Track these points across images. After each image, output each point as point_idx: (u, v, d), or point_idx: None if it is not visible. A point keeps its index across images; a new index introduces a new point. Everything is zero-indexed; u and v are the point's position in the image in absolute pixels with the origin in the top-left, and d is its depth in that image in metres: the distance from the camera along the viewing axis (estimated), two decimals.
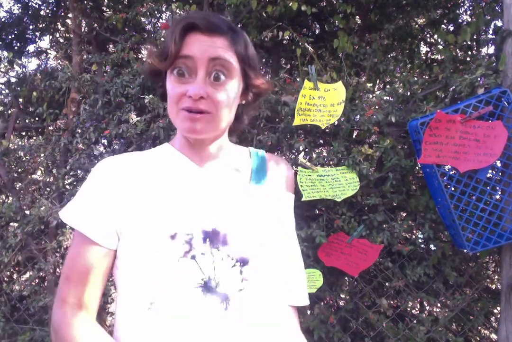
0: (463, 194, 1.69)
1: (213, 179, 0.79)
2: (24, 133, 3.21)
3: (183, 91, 0.71)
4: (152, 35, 2.69)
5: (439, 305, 2.14)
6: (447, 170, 1.76)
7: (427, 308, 2.39)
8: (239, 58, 0.76)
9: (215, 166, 0.82)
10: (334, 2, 2.70)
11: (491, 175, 1.79)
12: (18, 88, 3.01)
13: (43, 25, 3.71)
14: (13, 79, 3.39)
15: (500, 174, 1.78)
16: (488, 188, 1.72)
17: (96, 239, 0.71)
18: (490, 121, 1.66)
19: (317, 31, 3.10)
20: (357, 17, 2.89)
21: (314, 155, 1.98)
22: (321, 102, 1.90)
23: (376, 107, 1.93)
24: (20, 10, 3.65)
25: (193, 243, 0.69)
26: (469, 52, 2.53)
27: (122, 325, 0.70)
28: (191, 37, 0.72)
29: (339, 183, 1.80)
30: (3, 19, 3.63)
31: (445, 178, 1.70)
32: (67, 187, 2.43)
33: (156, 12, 2.41)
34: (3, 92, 3.18)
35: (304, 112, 1.87)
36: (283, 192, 0.87)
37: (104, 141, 2.35)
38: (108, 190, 0.74)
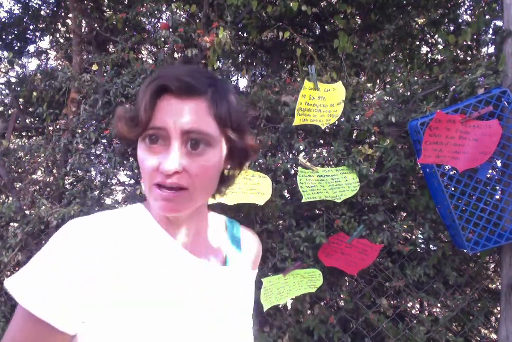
0: (463, 194, 1.69)
1: (193, 262, 0.70)
2: (24, 133, 3.21)
3: (155, 165, 0.61)
4: (152, 35, 2.69)
5: (439, 305, 2.14)
6: (447, 170, 1.76)
7: (427, 308, 2.39)
8: (220, 122, 0.65)
9: (195, 245, 0.73)
10: (334, 2, 2.70)
11: (491, 175, 1.79)
12: (18, 88, 3.01)
13: (43, 25, 3.71)
14: (13, 79, 3.40)
15: (500, 174, 1.78)
16: (488, 188, 1.72)
17: (56, 324, 0.57)
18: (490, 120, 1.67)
19: (317, 31, 3.10)
20: (357, 17, 2.89)
21: (314, 155, 1.98)
22: (321, 102, 1.90)
23: (376, 107, 1.93)
24: (20, 10, 3.66)
25: None
26: (469, 52, 2.53)
27: None
28: (163, 102, 0.62)
29: (339, 184, 1.80)
30: (3, 19, 3.63)
31: (445, 178, 1.70)
32: (67, 186, 2.43)
33: (156, 12, 2.41)
34: (3, 92, 3.19)
35: (304, 112, 1.87)
36: (253, 271, 0.82)
37: (104, 141, 2.35)
38: (74, 264, 0.60)
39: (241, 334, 0.71)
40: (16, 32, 3.67)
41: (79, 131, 2.25)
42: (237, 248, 0.80)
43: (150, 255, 0.66)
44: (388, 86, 2.49)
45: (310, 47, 2.24)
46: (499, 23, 2.33)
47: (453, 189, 1.70)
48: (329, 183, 1.81)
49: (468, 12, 2.97)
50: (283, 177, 1.93)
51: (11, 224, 2.37)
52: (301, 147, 1.92)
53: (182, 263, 0.69)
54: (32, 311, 0.57)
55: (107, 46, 3.05)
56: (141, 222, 0.70)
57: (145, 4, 2.36)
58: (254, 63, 3.29)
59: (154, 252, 0.67)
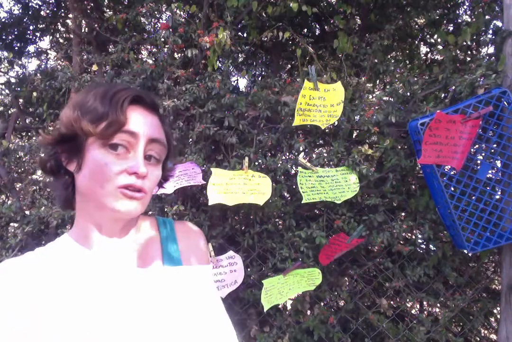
0: (463, 194, 1.69)
1: (128, 273, 0.70)
2: (24, 133, 3.21)
3: (122, 168, 0.64)
4: (152, 35, 2.69)
5: (439, 305, 2.14)
6: (447, 170, 1.76)
7: (427, 308, 2.39)
8: (167, 136, 0.73)
9: (125, 254, 0.73)
10: (334, 2, 2.71)
11: (491, 175, 1.79)
12: (18, 89, 3.01)
13: (43, 25, 3.71)
14: (13, 80, 3.40)
15: (500, 174, 1.78)
16: (488, 188, 1.72)
17: None
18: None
19: (317, 32, 3.10)
20: (357, 17, 2.90)
21: (314, 155, 1.98)
22: (321, 102, 1.90)
23: (376, 107, 1.93)
24: (20, 11, 3.66)
25: None
26: (469, 53, 2.53)
27: None
28: (135, 110, 0.67)
29: (339, 185, 1.80)
30: (3, 20, 3.63)
31: (445, 178, 1.70)
32: None
33: (156, 12, 2.41)
34: (3, 92, 3.19)
35: (304, 113, 1.87)
36: (198, 266, 0.79)
37: None
38: (9, 305, 0.60)
39: (201, 329, 0.69)
40: (16, 33, 3.67)
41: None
42: (173, 247, 0.78)
43: (77, 278, 0.66)
44: (388, 86, 2.49)
45: (310, 48, 2.24)
46: (499, 23, 2.33)
47: (453, 189, 1.70)
48: (329, 184, 1.81)
49: (468, 12, 2.97)
50: (283, 177, 1.93)
51: (11, 224, 2.37)
52: (301, 148, 1.92)
53: (110, 275, 0.68)
54: None
55: (107, 47, 3.05)
56: (66, 251, 0.70)
57: (145, 5, 2.36)
58: (254, 64, 3.29)
59: (80, 274, 0.67)
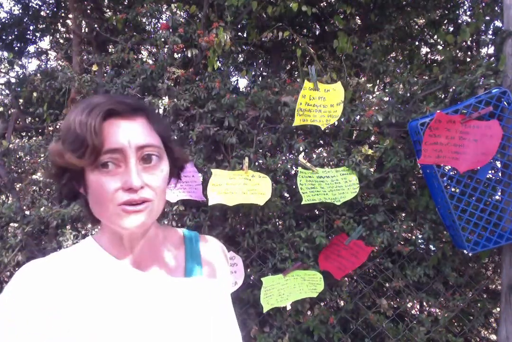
0: (463, 194, 1.69)
1: (150, 283, 0.72)
2: (24, 133, 3.21)
3: (118, 186, 0.64)
4: (152, 35, 2.69)
5: (439, 305, 2.14)
6: (447, 171, 1.76)
7: (427, 308, 2.39)
8: (160, 135, 0.71)
9: (153, 264, 0.75)
10: (334, 2, 2.71)
11: (491, 175, 1.79)
12: (18, 89, 3.01)
13: (43, 25, 3.71)
14: (13, 80, 3.40)
15: (500, 174, 1.78)
16: (488, 188, 1.72)
17: None
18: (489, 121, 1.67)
19: (317, 32, 3.10)
20: (357, 17, 2.90)
21: (314, 155, 1.98)
22: (321, 102, 1.90)
23: (376, 107, 1.93)
24: (20, 11, 3.66)
25: None
26: (469, 53, 2.53)
27: None
28: (111, 125, 0.65)
29: (339, 185, 1.80)
30: (3, 20, 3.63)
31: (445, 179, 1.70)
32: None
33: (156, 12, 2.41)
34: (4, 92, 3.19)
35: (304, 113, 1.87)
36: (219, 280, 0.82)
37: None
38: (32, 309, 0.62)
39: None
40: (16, 33, 3.67)
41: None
42: (197, 259, 0.80)
43: (102, 286, 0.68)
44: (388, 86, 2.49)
45: (310, 48, 2.24)
46: (498, 23, 2.33)
47: (453, 189, 1.70)
48: (328, 185, 1.81)
49: (468, 12, 2.97)
50: (283, 177, 1.93)
51: (11, 224, 2.37)
52: (301, 148, 1.92)
53: (136, 285, 0.70)
54: None
55: (107, 47, 3.05)
56: (91, 255, 0.72)
57: (145, 5, 2.36)
58: (254, 64, 3.29)
59: (105, 281, 0.69)
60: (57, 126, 2.43)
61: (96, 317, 0.64)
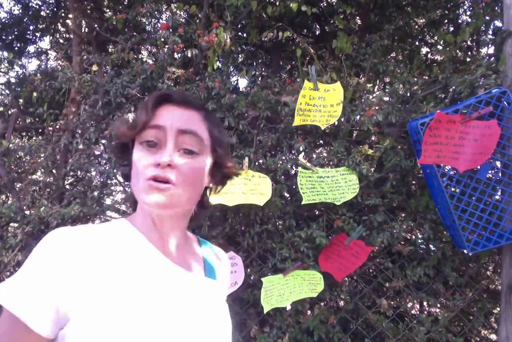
0: (463, 194, 1.69)
1: (179, 272, 0.73)
2: (24, 133, 3.21)
3: (151, 161, 0.67)
4: (152, 35, 2.69)
5: (439, 305, 2.14)
6: (447, 170, 1.76)
7: (427, 308, 2.39)
8: (211, 134, 0.73)
9: (180, 256, 0.76)
10: (334, 2, 2.71)
11: (491, 175, 1.79)
12: (18, 89, 3.02)
13: (43, 25, 3.71)
14: (13, 80, 3.40)
15: (500, 174, 1.78)
16: (488, 188, 1.72)
17: (29, 323, 0.59)
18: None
19: (317, 32, 3.10)
20: (357, 17, 2.90)
21: (314, 155, 1.98)
22: (321, 102, 1.90)
23: (376, 107, 1.93)
24: (20, 11, 3.66)
25: None
26: (469, 53, 2.53)
27: None
28: (164, 109, 0.70)
29: (339, 185, 1.80)
30: (3, 20, 3.63)
31: (445, 178, 1.70)
32: (67, 187, 2.43)
33: (156, 12, 2.41)
34: (4, 92, 3.19)
35: (304, 113, 1.87)
36: (226, 287, 0.86)
37: (104, 141, 2.35)
38: (58, 274, 0.62)
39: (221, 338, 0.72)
40: (16, 33, 3.67)
41: (79, 131, 2.25)
42: (212, 262, 0.83)
43: (133, 263, 0.68)
44: (388, 86, 2.49)
45: (310, 48, 2.24)
46: (498, 23, 2.33)
47: (453, 189, 1.70)
48: (328, 185, 1.81)
49: (468, 12, 2.98)
50: (283, 177, 1.93)
51: (11, 224, 2.37)
52: (301, 148, 1.92)
53: (165, 271, 0.71)
54: (8, 308, 0.60)
55: (107, 47, 3.05)
56: (125, 233, 0.73)
57: (145, 5, 2.36)
58: (254, 64, 3.29)
59: (138, 261, 0.69)
60: (57, 126, 2.43)
61: (118, 297, 0.63)
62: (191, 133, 0.69)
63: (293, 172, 2.06)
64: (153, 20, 2.73)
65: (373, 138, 2.08)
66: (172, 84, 2.10)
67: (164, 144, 0.68)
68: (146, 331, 0.61)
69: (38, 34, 3.74)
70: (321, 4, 2.80)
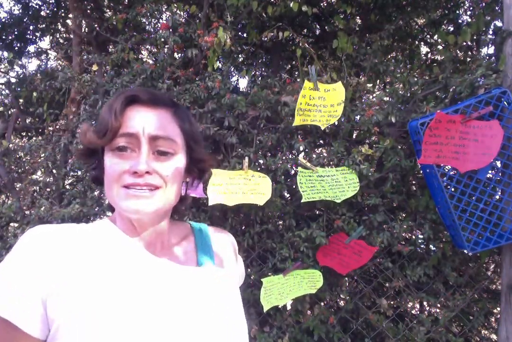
0: (463, 194, 1.69)
1: (164, 265, 0.72)
2: (24, 133, 3.21)
3: (125, 168, 0.65)
4: (152, 35, 2.69)
5: (439, 305, 2.14)
6: (447, 170, 1.76)
7: (427, 308, 2.39)
8: (183, 131, 0.72)
9: (165, 249, 0.76)
10: (334, 2, 2.71)
11: (491, 175, 1.79)
12: (19, 89, 3.02)
13: (44, 25, 3.71)
14: (13, 80, 3.40)
15: (500, 174, 1.78)
16: (488, 188, 1.72)
17: (26, 328, 0.59)
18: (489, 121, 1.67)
19: (317, 32, 3.10)
20: (357, 17, 2.90)
21: (314, 155, 1.98)
22: (321, 102, 1.90)
23: (376, 107, 1.93)
24: (20, 11, 3.66)
25: None
26: (469, 53, 2.53)
27: None
28: (132, 110, 0.68)
29: (339, 184, 1.80)
30: (3, 20, 3.63)
31: (445, 178, 1.70)
32: (67, 187, 2.43)
33: (156, 12, 2.41)
34: (4, 92, 3.19)
35: (304, 113, 1.87)
36: (231, 268, 0.83)
37: None
38: (41, 270, 0.61)
39: (225, 331, 0.70)
40: (16, 33, 3.67)
41: (79, 131, 2.25)
42: (207, 250, 0.81)
43: (115, 260, 0.68)
44: (388, 86, 2.49)
45: (310, 48, 2.24)
46: (499, 23, 2.33)
47: (453, 189, 1.70)
48: (329, 183, 1.81)
49: (468, 12, 2.98)
50: (283, 177, 1.93)
51: (11, 224, 2.37)
52: (301, 148, 1.92)
53: (149, 266, 0.70)
54: None
55: (107, 47, 3.05)
56: (106, 231, 0.73)
57: (145, 5, 2.36)
58: (254, 64, 3.29)
59: (120, 257, 0.69)
60: (57, 126, 2.43)
61: (104, 294, 0.62)
62: (163, 138, 0.68)
63: (293, 172, 2.06)
64: (153, 20, 2.74)
65: (373, 138, 2.07)
66: (172, 84, 2.10)
67: (138, 149, 0.67)
68: (131, 326, 0.61)
69: (38, 34, 3.75)
70: (321, 4, 2.80)
